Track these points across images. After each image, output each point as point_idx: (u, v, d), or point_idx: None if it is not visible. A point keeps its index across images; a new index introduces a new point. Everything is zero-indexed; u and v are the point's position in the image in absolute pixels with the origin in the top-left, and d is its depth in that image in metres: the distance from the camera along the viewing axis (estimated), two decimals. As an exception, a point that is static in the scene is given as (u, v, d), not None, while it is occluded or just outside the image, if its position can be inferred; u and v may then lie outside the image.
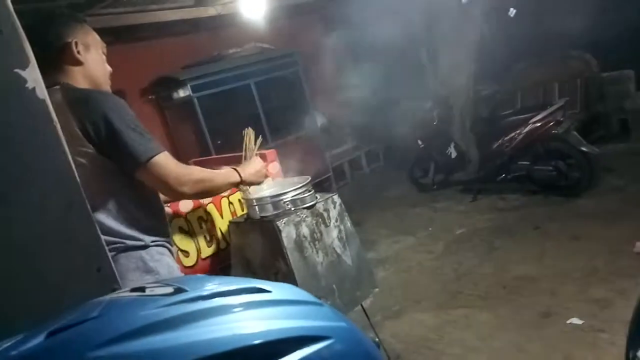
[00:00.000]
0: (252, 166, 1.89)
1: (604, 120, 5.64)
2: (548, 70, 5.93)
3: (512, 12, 6.14)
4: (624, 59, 5.57)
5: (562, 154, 4.49)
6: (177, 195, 1.65)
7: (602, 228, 3.75)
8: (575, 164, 4.42)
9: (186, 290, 0.60)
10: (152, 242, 1.59)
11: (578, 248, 3.57)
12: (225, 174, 1.79)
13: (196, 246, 2.23)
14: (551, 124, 4.47)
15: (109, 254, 1.17)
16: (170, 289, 0.61)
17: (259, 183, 1.96)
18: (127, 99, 1.86)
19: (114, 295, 0.67)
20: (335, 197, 2.18)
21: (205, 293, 0.60)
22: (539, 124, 4.55)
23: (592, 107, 5.61)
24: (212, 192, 1.78)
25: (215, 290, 0.60)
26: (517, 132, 4.71)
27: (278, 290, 0.65)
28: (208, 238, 2.29)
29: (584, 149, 4.34)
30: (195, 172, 1.63)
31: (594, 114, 5.56)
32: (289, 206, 2.02)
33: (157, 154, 1.49)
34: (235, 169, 1.81)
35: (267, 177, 2.00)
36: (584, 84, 5.68)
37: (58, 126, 1.09)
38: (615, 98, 5.66)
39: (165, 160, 1.51)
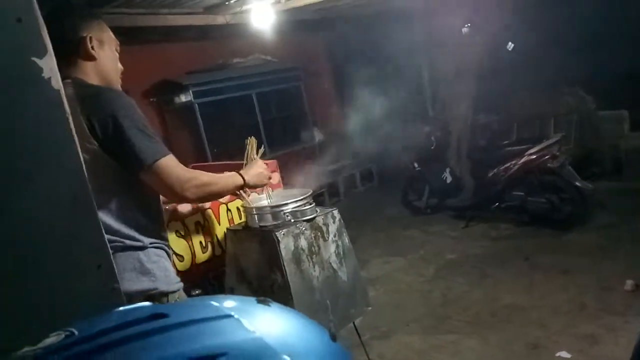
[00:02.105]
0: (255, 169, 1.89)
1: (597, 158, 5.73)
2: (545, 104, 6.03)
3: (511, 45, 6.29)
4: (618, 99, 5.70)
5: (556, 187, 4.54)
6: (181, 199, 1.64)
7: (592, 263, 3.77)
8: (568, 198, 4.47)
9: (74, 334, 0.60)
10: (151, 243, 1.57)
11: (568, 282, 3.58)
12: (228, 177, 1.79)
13: (191, 251, 2.20)
14: (547, 157, 4.52)
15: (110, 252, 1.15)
16: (61, 335, 0.60)
17: (262, 186, 1.95)
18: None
19: None
20: (335, 212, 2.17)
21: (95, 331, 0.59)
22: (534, 156, 4.61)
23: (587, 143, 5.71)
24: (215, 196, 1.77)
25: (104, 327, 0.59)
26: (513, 162, 4.76)
27: (178, 311, 0.63)
28: (204, 244, 2.26)
29: (577, 184, 4.40)
30: (199, 176, 1.62)
31: (588, 151, 5.65)
32: (289, 217, 2.01)
33: (162, 157, 1.48)
34: (238, 173, 1.81)
35: (270, 179, 1.99)
36: (579, 120, 5.78)
37: (70, 118, 1.08)
38: (610, 137, 5.77)
39: (170, 164, 1.51)
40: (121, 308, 0.68)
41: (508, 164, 4.81)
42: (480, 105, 6.07)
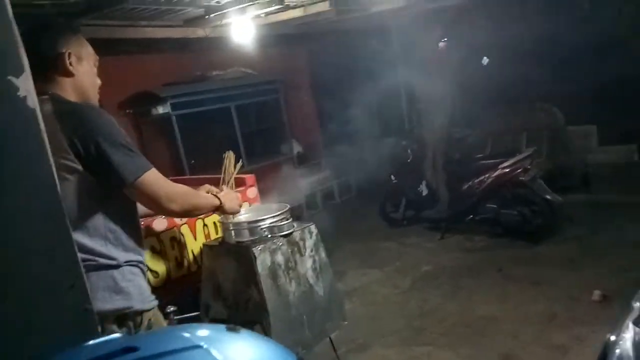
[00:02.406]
0: (232, 194, 1.91)
1: (567, 171, 5.91)
2: (517, 119, 6.21)
3: (485, 60, 6.47)
4: (587, 115, 5.91)
5: (527, 200, 4.67)
6: (167, 211, 1.65)
7: (562, 275, 3.88)
8: (539, 210, 4.60)
9: None
10: (125, 262, 1.57)
11: (539, 293, 3.68)
12: (207, 195, 1.81)
13: (167, 267, 2.20)
14: (519, 170, 4.66)
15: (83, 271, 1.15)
16: None
17: (235, 212, 1.96)
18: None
19: None
20: (312, 227, 2.20)
21: None
22: (507, 170, 4.74)
23: (557, 158, 5.89)
24: (198, 210, 1.78)
25: None
26: (487, 175, 4.88)
27: (148, 344, 0.64)
28: (179, 259, 2.26)
29: (548, 197, 4.54)
30: (183, 189, 1.65)
31: (558, 165, 5.82)
32: (266, 233, 2.03)
33: (145, 172, 1.50)
34: (215, 195, 1.83)
35: (240, 207, 1.99)
36: (550, 135, 5.97)
37: (45, 137, 1.09)
38: (579, 151, 5.97)
39: (153, 178, 1.53)
40: (91, 342, 0.68)
41: (482, 177, 4.93)
42: (456, 119, 6.20)
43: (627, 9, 4.67)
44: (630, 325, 1.08)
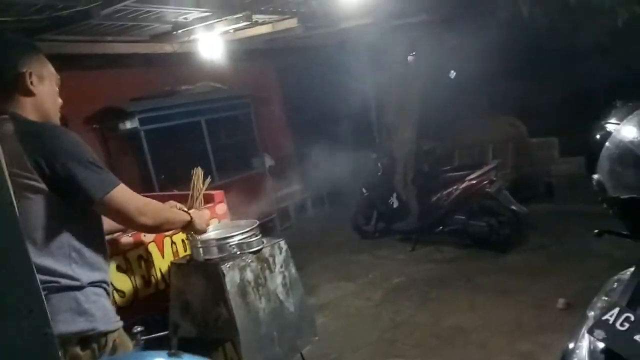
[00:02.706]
0: (203, 214, 1.92)
1: (531, 182, 6.11)
2: (483, 131, 6.39)
3: (453, 74, 6.65)
4: (549, 127, 6.15)
5: (494, 211, 4.80)
6: (137, 226, 1.64)
7: (528, 283, 3.99)
8: (505, 221, 4.73)
9: None
10: (89, 282, 1.54)
11: (506, 302, 3.76)
12: (178, 211, 1.81)
13: (133, 286, 2.15)
14: (485, 182, 4.78)
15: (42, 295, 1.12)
16: None
17: (202, 231, 1.96)
18: (68, 125, 1.83)
19: None
20: (282, 243, 2.20)
21: None
22: (474, 182, 4.86)
23: (521, 169, 6.08)
24: (169, 224, 1.76)
25: None
26: (455, 187, 4.99)
27: None
28: (146, 278, 2.21)
29: (513, 207, 4.67)
30: (153, 203, 1.65)
31: (522, 175, 6.01)
32: (235, 250, 2.02)
33: (113, 188, 1.49)
34: (186, 211, 1.82)
35: (207, 226, 1.99)
36: (515, 147, 6.17)
37: (2, 159, 1.07)
38: (542, 162, 6.18)
39: (121, 193, 1.52)
40: None
41: (450, 189, 5.04)
42: (424, 131, 6.34)
43: (585, 24, 4.90)
44: (586, 334, 1.12)
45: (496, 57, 5.98)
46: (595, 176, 1.17)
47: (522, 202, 4.92)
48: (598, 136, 1.19)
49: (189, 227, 1.86)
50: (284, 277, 2.17)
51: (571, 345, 1.22)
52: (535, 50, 5.87)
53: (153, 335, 2.14)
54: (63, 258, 1.48)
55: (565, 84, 5.56)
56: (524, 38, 5.80)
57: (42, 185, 1.41)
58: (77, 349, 1.48)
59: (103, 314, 1.55)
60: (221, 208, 2.50)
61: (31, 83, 1.51)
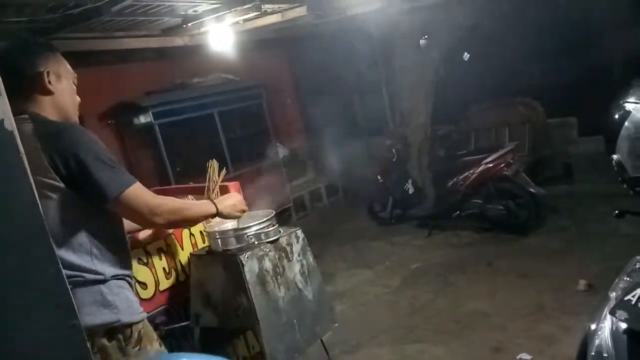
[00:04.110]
0: (230, 200, 1.89)
1: (549, 164, 6.01)
2: (499, 114, 6.29)
3: (466, 56, 6.54)
4: (567, 107, 6.02)
5: (511, 194, 4.74)
6: (151, 225, 1.67)
7: (548, 266, 3.95)
8: (524, 203, 4.68)
9: None
10: (112, 276, 1.57)
11: (526, 284, 3.74)
12: (201, 204, 1.80)
13: (154, 278, 2.19)
14: (502, 165, 4.73)
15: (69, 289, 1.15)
16: None
17: (235, 217, 1.95)
18: (84, 122, 1.86)
19: None
20: (299, 232, 2.21)
21: None
22: (491, 165, 4.80)
23: (539, 150, 5.98)
24: (187, 222, 1.78)
25: None
26: (471, 171, 4.94)
27: None
28: (167, 270, 2.25)
29: (531, 189, 4.61)
30: (169, 203, 1.64)
31: (540, 157, 5.92)
32: (253, 240, 2.04)
33: (128, 187, 1.51)
34: (212, 201, 1.82)
35: (244, 212, 1.96)
36: (532, 129, 6.06)
37: (24, 158, 1.09)
38: (560, 143, 6.07)
39: (136, 193, 1.53)
40: None
41: (466, 173, 4.99)
42: (439, 116, 6.27)
43: (604, 0, 4.78)
44: (608, 315, 1.11)
45: (511, 37, 5.87)
46: (615, 156, 1.15)
47: (541, 183, 4.85)
48: (617, 115, 1.16)
49: (219, 217, 1.86)
50: (301, 265, 2.18)
51: (593, 326, 1.22)
52: (551, 29, 5.74)
53: (175, 325, 2.19)
54: (84, 254, 1.51)
55: (584, 62, 5.44)
56: (539, 17, 5.67)
57: (61, 184, 1.44)
58: (104, 340, 1.52)
59: (127, 306, 1.58)
60: (237, 199, 2.52)
61: (49, 82, 1.54)
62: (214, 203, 1.81)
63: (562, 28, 5.69)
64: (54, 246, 1.10)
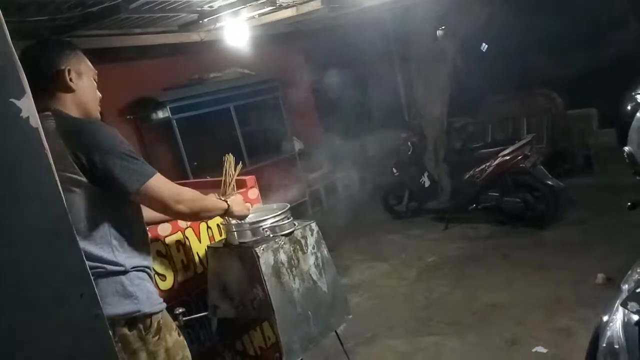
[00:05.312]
0: (239, 200, 1.98)
1: (568, 156, 5.92)
2: (516, 105, 6.21)
3: (484, 47, 6.46)
4: (586, 98, 5.91)
5: (529, 186, 4.69)
6: (175, 214, 1.72)
7: (566, 258, 3.91)
8: (541, 196, 4.62)
9: None
10: (133, 267, 1.62)
11: (544, 277, 3.71)
12: (214, 199, 1.88)
13: (173, 270, 2.25)
14: (519, 157, 4.68)
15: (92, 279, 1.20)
16: None
17: (242, 217, 2.02)
18: (103, 118, 1.91)
19: None
20: (313, 225, 2.24)
21: None
22: (508, 157, 4.75)
23: (557, 142, 5.89)
24: (205, 213, 1.83)
25: None
26: (488, 164, 4.90)
27: None
28: (185, 262, 2.31)
29: (549, 182, 4.56)
30: (189, 192, 1.71)
31: (559, 149, 5.83)
32: (268, 233, 2.07)
33: (150, 178, 1.56)
34: (225, 200, 1.89)
35: (249, 211, 2.06)
36: (550, 120, 5.97)
37: (49, 154, 1.14)
38: (579, 135, 5.97)
39: (158, 183, 1.59)
40: None
41: (483, 166, 4.95)
42: (455, 108, 6.22)
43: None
44: (620, 307, 1.12)
45: (530, 28, 5.78)
46: (627, 148, 1.15)
47: (560, 176, 4.79)
48: (629, 107, 1.15)
49: (228, 214, 1.92)
50: (316, 258, 2.21)
51: (605, 318, 1.22)
52: (570, 20, 5.62)
53: (194, 316, 2.24)
54: (106, 246, 1.57)
55: (604, 52, 5.32)
56: (558, 7, 5.57)
57: (83, 179, 1.49)
58: (125, 330, 1.57)
59: (147, 297, 1.63)
60: (253, 193, 2.56)
61: (70, 80, 1.58)
62: (225, 200, 1.90)
63: (583, 17, 5.58)
64: (77, 238, 1.16)
